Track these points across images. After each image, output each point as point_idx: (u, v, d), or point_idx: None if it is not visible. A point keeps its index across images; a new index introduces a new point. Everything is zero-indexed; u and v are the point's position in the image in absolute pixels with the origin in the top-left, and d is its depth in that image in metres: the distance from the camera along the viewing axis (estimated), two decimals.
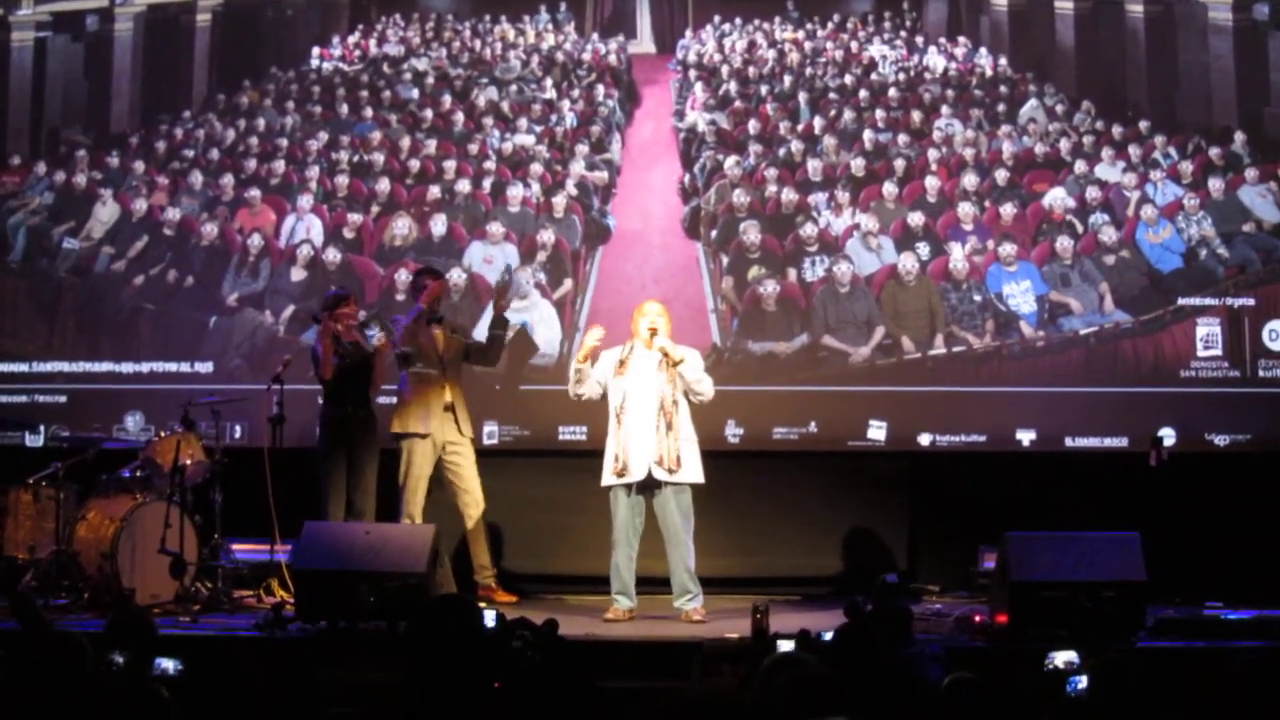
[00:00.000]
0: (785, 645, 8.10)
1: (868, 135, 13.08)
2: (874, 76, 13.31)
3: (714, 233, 12.87)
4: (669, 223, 13.00)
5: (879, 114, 13.18)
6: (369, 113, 13.45)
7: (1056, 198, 12.79)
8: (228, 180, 13.19)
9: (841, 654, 6.94)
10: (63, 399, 12.86)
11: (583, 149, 13.16)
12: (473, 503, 11.21)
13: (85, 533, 10.93)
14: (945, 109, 13.17)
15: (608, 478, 10.56)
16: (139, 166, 13.27)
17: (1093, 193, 12.77)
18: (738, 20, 13.44)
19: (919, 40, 13.36)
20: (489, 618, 7.51)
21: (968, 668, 6.81)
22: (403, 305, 12.44)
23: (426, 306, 11.20)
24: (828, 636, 7.69)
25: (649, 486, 10.50)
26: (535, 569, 12.18)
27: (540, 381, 12.34)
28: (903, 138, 13.07)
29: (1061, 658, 7.91)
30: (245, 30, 13.60)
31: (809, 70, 13.37)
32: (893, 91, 13.26)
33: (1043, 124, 13.06)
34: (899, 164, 12.96)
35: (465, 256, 12.80)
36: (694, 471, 10.54)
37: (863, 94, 13.25)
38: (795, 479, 12.36)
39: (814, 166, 12.95)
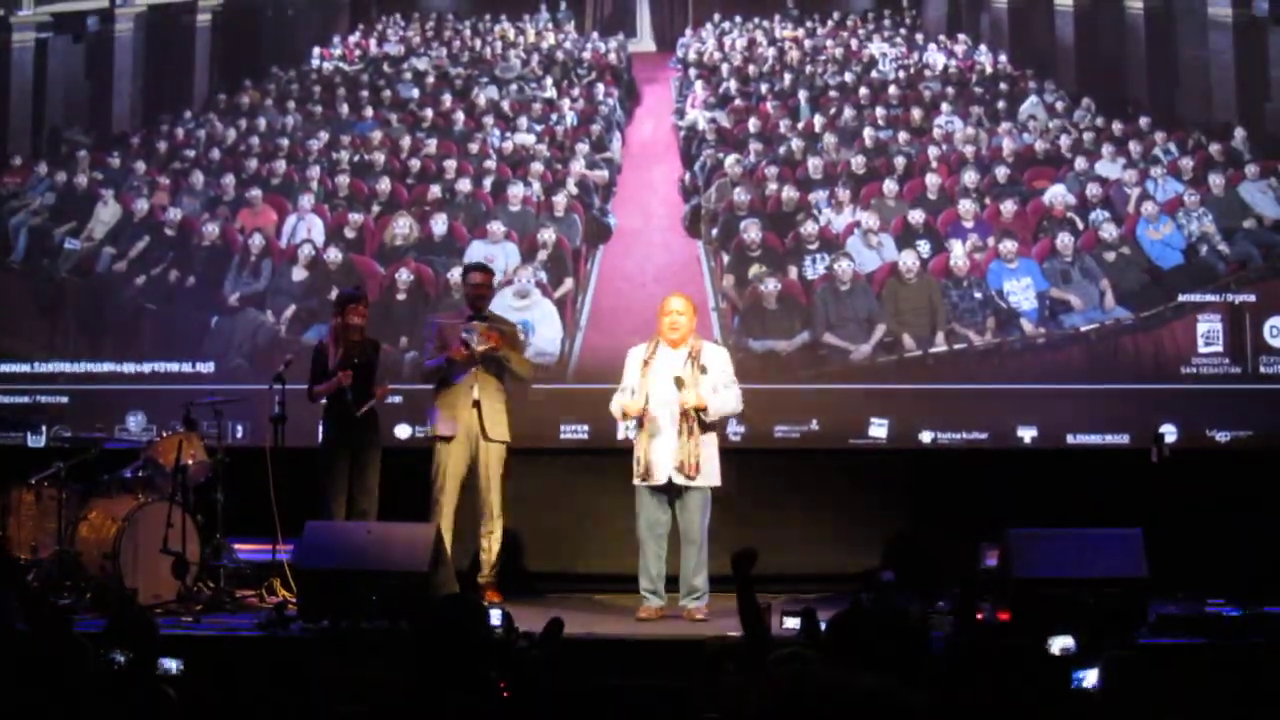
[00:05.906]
0: (791, 622, 8.22)
1: (868, 133, 13.09)
2: (874, 74, 13.32)
3: (715, 231, 12.89)
4: (670, 221, 13.01)
5: (879, 111, 13.18)
6: (369, 112, 13.46)
7: (1057, 194, 12.80)
8: (229, 180, 13.20)
9: (835, 645, 6.94)
10: (64, 399, 12.88)
11: (583, 147, 13.17)
12: (484, 504, 11.17)
13: (87, 533, 10.95)
14: (945, 106, 13.18)
15: (635, 478, 10.60)
16: (140, 166, 13.29)
17: (1093, 189, 12.77)
18: (737, 18, 13.45)
19: (919, 37, 13.37)
20: (494, 617, 7.53)
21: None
22: (403, 305, 12.47)
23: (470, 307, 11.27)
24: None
25: (673, 487, 10.54)
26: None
27: (541, 380, 12.30)
28: (903, 135, 13.07)
29: (1058, 644, 7.95)
30: (246, 30, 13.61)
31: (809, 68, 13.38)
32: (893, 89, 13.26)
33: (1043, 121, 13.06)
34: (899, 161, 12.96)
35: (466, 255, 12.77)
36: (712, 475, 10.57)
37: (863, 91, 13.26)
38: (797, 477, 12.37)
39: (814, 164, 12.96)
